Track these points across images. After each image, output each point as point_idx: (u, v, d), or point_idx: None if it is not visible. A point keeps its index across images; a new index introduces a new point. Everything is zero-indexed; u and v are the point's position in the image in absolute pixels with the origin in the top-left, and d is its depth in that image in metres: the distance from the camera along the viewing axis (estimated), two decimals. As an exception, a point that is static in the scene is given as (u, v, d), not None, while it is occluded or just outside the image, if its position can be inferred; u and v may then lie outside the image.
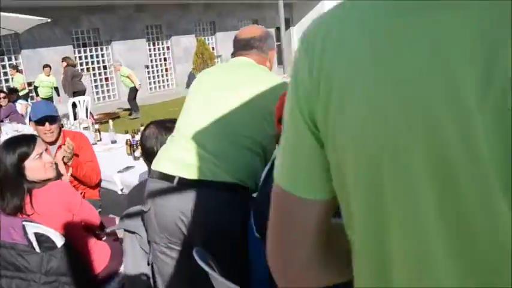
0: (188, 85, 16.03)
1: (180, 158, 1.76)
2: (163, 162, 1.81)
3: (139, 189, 2.15)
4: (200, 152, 1.73)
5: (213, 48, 16.81)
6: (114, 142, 4.26)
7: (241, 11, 17.98)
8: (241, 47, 2.00)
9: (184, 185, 1.70)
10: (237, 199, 1.71)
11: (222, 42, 17.55)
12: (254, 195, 1.76)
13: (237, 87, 1.84)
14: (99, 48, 14.17)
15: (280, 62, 16.06)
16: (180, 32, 16.15)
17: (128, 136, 3.79)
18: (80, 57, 13.71)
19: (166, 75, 16.29)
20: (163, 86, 16.29)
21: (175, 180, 1.72)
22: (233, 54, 2.07)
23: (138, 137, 3.71)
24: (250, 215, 1.56)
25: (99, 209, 3.11)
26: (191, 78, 16.13)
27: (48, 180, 2.25)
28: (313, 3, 19.12)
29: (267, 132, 1.79)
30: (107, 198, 3.43)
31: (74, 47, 13.39)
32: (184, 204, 1.70)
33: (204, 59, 15.09)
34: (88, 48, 13.91)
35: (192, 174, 1.70)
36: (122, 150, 3.92)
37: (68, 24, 12.95)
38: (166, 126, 2.16)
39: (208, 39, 16.99)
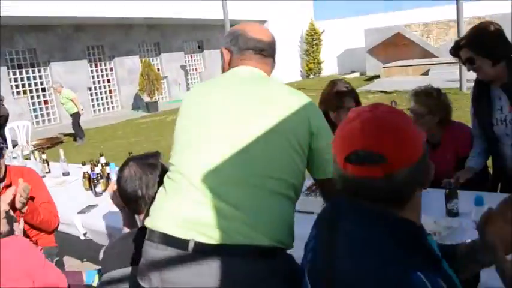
0: (134, 107, 15.62)
1: (190, 213, 1.29)
2: (166, 220, 1.32)
3: (121, 249, 1.71)
4: (217, 204, 1.27)
5: (158, 69, 16.31)
6: (66, 174, 3.74)
7: (186, 32, 17.66)
8: (256, 50, 1.52)
9: (202, 252, 1.24)
10: (277, 267, 1.27)
11: (167, 63, 17.14)
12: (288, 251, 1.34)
13: (260, 110, 1.37)
14: (36, 69, 13.34)
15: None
16: (123, 52, 15.58)
17: (86, 168, 3.29)
18: (16, 79, 12.89)
19: (111, 97, 15.70)
20: (108, 108, 15.67)
21: (190, 247, 1.24)
22: (233, 55, 1.55)
23: (98, 169, 3.24)
24: (303, 274, 1.07)
25: (56, 258, 2.62)
26: (137, 99, 15.65)
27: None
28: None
29: (299, 168, 1.38)
30: (62, 240, 2.93)
31: (8, 68, 12.55)
32: (204, 279, 1.23)
33: (150, 80, 14.62)
34: (24, 70, 13.09)
35: (212, 236, 1.24)
36: (77, 184, 3.43)
37: (1, 43, 12.04)
38: (150, 163, 1.73)
39: (153, 60, 16.49)
